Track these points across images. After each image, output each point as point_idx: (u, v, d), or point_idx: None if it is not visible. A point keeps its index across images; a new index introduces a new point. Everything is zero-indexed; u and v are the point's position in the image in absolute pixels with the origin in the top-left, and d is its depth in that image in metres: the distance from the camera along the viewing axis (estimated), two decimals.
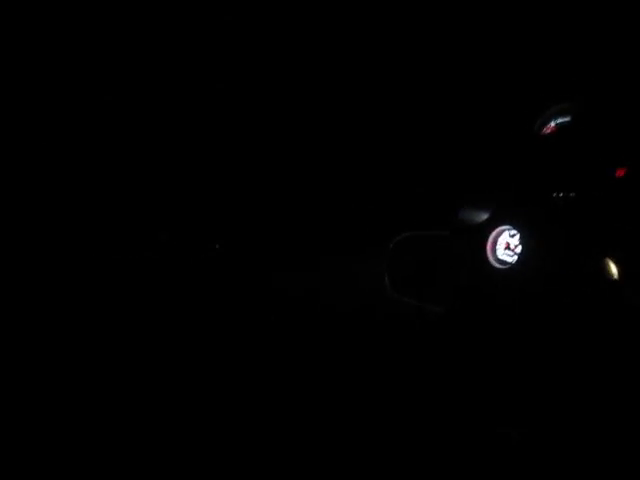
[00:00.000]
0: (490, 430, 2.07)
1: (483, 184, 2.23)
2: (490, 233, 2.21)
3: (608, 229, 1.95)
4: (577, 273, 1.99)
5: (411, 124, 2.38)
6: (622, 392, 1.86)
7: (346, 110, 2.49)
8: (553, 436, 1.93)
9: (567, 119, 2.05)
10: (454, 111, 2.30)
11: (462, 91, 2.28)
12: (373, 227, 2.49)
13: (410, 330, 2.34)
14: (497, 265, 2.20)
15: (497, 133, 2.21)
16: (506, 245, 2.19)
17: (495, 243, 2.22)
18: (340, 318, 2.50)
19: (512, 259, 2.17)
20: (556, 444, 1.94)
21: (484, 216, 2.22)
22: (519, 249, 2.15)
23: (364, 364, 2.39)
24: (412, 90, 2.39)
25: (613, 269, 1.92)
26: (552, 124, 2.08)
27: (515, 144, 2.16)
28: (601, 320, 1.92)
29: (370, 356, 2.39)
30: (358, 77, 2.44)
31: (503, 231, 2.20)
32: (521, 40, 2.16)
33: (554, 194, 2.04)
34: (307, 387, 2.41)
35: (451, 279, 2.29)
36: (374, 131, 2.45)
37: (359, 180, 2.52)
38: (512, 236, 2.19)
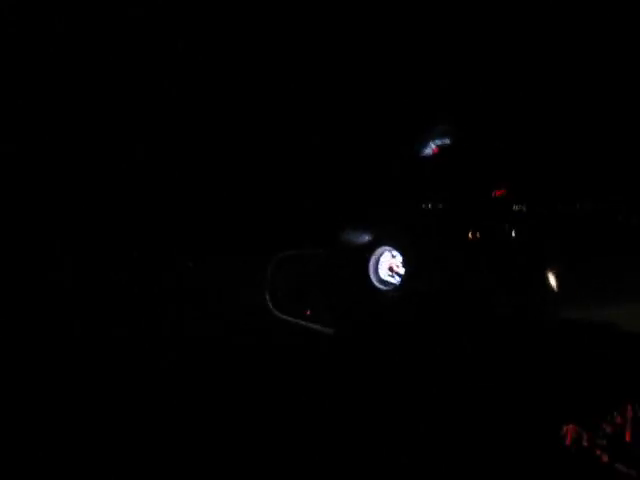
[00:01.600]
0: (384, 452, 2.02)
1: (365, 205, 2.22)
2: (372, 254, 2.20)
3: (486, 245, 1.99)
4: (460, 292, 2.02)
5: (295, 140, 2.33)
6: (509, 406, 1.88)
7: (229, 124, 2.40)
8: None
9: (447, 141, 2.09)
10: (335, 130, 2.29)
11: (341, 111, 2.27)
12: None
13: (290, 349, 2.27)
14: (380, 287, 2.18)
15: (378, 154, 2.21)
16: (389, 266, 2.19)
17: (377, 264, 2.21)
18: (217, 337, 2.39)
19: (395, 280, 2.17)
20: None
21: (366, 237, 2.21)
22: (402, 270, 2.15)
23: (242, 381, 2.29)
24: (288, 110, 2.35)
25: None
26: (433, 145, 2.12)
27: (396, 165, 2.17)
28: (485, 334, 1.94)
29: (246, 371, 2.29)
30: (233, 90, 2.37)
31: (385, 252, 2.20)
32: (400, 62, 2.19)
33: (427, 205, 2.07)
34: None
35: (335, 300, 2.25)
36: (261, 144, 2.38)
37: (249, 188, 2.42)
38: (394, 257, 2.19)
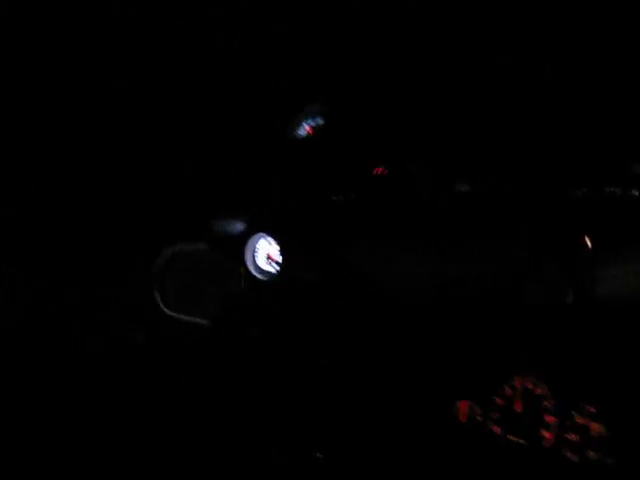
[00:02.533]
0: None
1: (238, 192, 2.11)
2: (248, 243, 2.09)
3: (366, 229, 1.95)
4: (337, 278, 1.97)
5: (163, 131, 2.17)
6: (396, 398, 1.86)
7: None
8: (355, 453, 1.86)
9: (320, 120, 2.03)
10: (203, 117, 2.15)
11: (211, 99, 2.14)
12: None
13: (181, 344, 2.14)
14: (259, 276, 2.08)
15: (249, 139, 2.10)
16: (267, 254, 2.09)
17: (255, 253, 2.10)
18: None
19: (274, 268, 2.08)
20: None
21: (241, 226, 2.10)
22: (280, 258, 2.07)
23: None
24: (149, 103, 2.19)
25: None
26: (306, 126, 2.05)
27: (268, 149, 2.08)
28: (365, 317, 1.91)
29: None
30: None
31: (261, 240, 2.10)
32: (267, 44, 2.09)
33: (303, 188, 2.00)
34: None
35: (217, 292, 2.14)
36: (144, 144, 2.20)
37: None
38: (271, 244, 2.10)
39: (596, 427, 1.52)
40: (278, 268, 2.06)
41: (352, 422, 1.90)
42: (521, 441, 1.65)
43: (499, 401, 1.68)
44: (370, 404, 1.89)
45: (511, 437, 1.66)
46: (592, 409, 1.54)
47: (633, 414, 1.49)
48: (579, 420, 1.55)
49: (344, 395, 1.92)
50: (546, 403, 1.60)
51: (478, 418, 1.71)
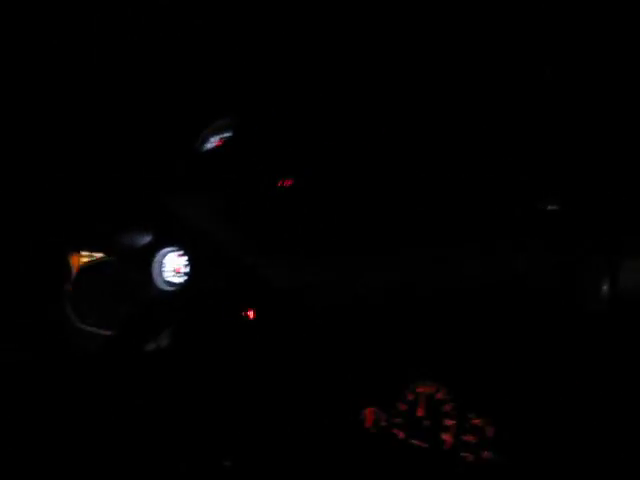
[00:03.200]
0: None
1: (146, 205, 2.09)
2: (156, 256, 2.09)
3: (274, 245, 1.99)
4: (243, 288, 2.00)
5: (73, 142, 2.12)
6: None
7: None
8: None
9: (229, 134, 2.05)
10: (112, 128, 2.12)
11: (118, 111, 2.11)
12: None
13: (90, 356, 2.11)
14: (165, 288, 2.08)
15: (156, 151, 2.10)
16: (175, 266, 2.09)
17: (162, 266, 2.10)
18: None
19: (181, 280, 2.08)
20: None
21: (147, 238, 2.09)
22: (187, 270, 2.07)
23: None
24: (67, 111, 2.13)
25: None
26: (215, 139, 2.06)
27: (177, 161, 2.08)
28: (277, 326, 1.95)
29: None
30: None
31: (169, 253, 2.10)
32: (178, 58, 2.09)
33: (211, 201, 2.02)
34: None
35: (125, 304, 2.11)
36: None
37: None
38: (179, 257, 2.10)
39: (490, 428, 1.63)
40: (186, 280, 2.06)
41: (260, 430, 1.93)
42: (423, 445, 1.73)
43: (402, 406, 1.76)
44: (279, 412, 1.92)
45: (413, 441, 1.75)
46: (487, 411, 1.64)
47: (523, 415, 1.59)
48: (475, 422, 1.65)
49: (252, 403, 1.95)
50: (445, 407, 1.69)
51: (383, 423, 1.78)
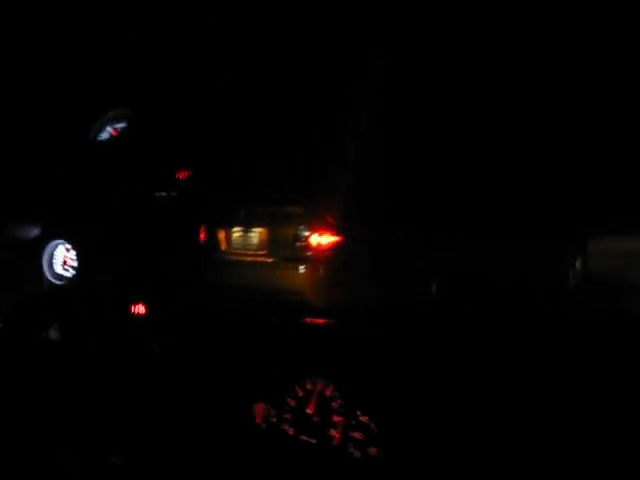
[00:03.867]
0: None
1: (35, 197, 2.01)
2: (46, 249, 2.01)
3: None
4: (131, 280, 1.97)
5: None
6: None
7: None
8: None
9: (124, 124, 2.00)
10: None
11: (6, 102, 2.01)
12: None
13: None
14: (54, 281, 2.01)
15: (47, 143, 2.01)
16: (64, 260, 2.03)
17: (52, 259, 2.03)
18: None
19: (70, 274, 2.02)
20: None
21: (37, 231, 2.01)
22: (75, 263, 2.01)
23: None
24: None
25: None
26: (111, 128, 2.00)
27: (68, 153, 2.01)
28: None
29: None
30: None
31: (59, 246, 2.03)
32: (69, 49, 2.01)
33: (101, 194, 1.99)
34: None
35: (13, 296, 2.03)
36: None
37: None
38: (68, 250, 2.04)
39: (375, 425, 1.65)
40: (74, 272, 2.01)
41: (150, 426, 1.90)
42: (312, 440, 1.74)
43: (292, 403, 1.77)
44: (169, 407, 1.90)
45: (303, 437, 1.75)
46: (374, 408, 1.66)
47: (406, 413, 1.63)
48: (363, 419, 1.67)
49: (142, 398, 1.91)
50: (334, 404, 1.71)
51: (273, 419, 1.78)
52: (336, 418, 1.71)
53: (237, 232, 4.52)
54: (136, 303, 1.90)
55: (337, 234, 4.20)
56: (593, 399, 1.45)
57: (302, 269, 4.28)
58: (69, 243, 2.01)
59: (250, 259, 4.52)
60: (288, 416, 1.77)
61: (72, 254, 2.01)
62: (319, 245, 4.26)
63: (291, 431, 1.76)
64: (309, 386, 1.75)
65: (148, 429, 1.90)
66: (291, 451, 1.76)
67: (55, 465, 1.89)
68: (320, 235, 4.26)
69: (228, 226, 4.52)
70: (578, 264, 5.89)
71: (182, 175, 1.88)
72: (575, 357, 1.58)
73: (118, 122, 2.00)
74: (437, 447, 1.57)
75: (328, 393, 1.72)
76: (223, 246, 4.58)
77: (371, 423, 1.66)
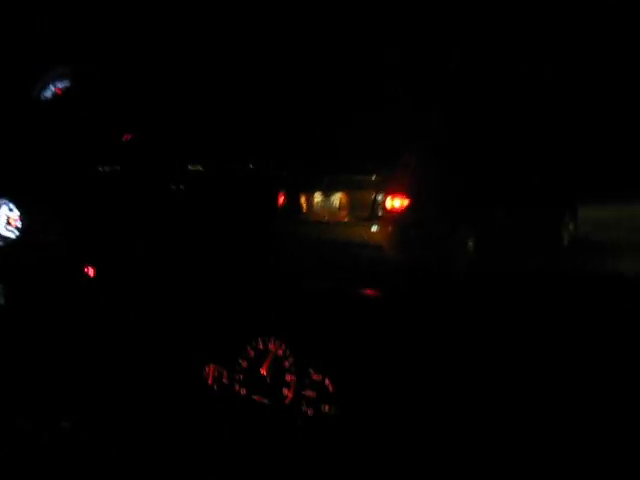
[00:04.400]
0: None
1: None
2: None
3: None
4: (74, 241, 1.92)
5: None
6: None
7: None
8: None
9: (68, 82, 1.93)
10: None
11: None
12: None
13: None
14: None
15: None
16: (7, 220, 1.96)
17: None
18: None
19: (14, 234, 1.96)
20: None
21: None
22: (19, 224, 1.95)
23: None
24: None
25: None
26: (53, 87, 1.94)
27: (10, 108, 1.93)
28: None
29: None
30: None
31: (2, 205, 1.96)
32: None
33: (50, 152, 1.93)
34: None
35: None
36: None
37: None
38: (11, 210, 1.97)
39: (329, 382, 1.65)
40: (18, 234, 1.95)
41: (101, 390, 1.87)
42: (264, 400, 1.73)
43: (243, 363, 1.76)
44: (118, 371, 1.87)
45: (255, 397, 1.75)
46: (326, 366, 1.66)
47: (361, 370, 1.63)
48: (315, 377, 1.67)
49: (91, 361, 1.88)
50: (286, 363, 1.70)
51: (224, 381, 1.77)
52: (289, 377, 1.71)
53: (318, 197, 6.04)
54: (85, 266, 1.86)
55: (407, 199, 5.78)
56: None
57: (376, 227, 5.74)
58: (12, 202, 1.94)
59: (330, 219, 5.93)
60: (240, 376, 1.76)
61: (16, 214, 1.94)
62: (392, 208, 5.78)
63: (243, 392, 1.76)
64: (261, 346, 1.75)
65: (98, 393, 1.87)
66: (243, 411, 1.75)
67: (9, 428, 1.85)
68: (393, 199, 5.81)
69: (310, 191, 6.04)
70: (571, 227, 7.71)
71: (126, 137, 1.83)
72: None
73: (62, 80, 1.93)
74: (391, 403, 1.58)
75: (280, 352, 1.72)
76: (304, 208, 6.10)
77: (324, 381, 1.66)
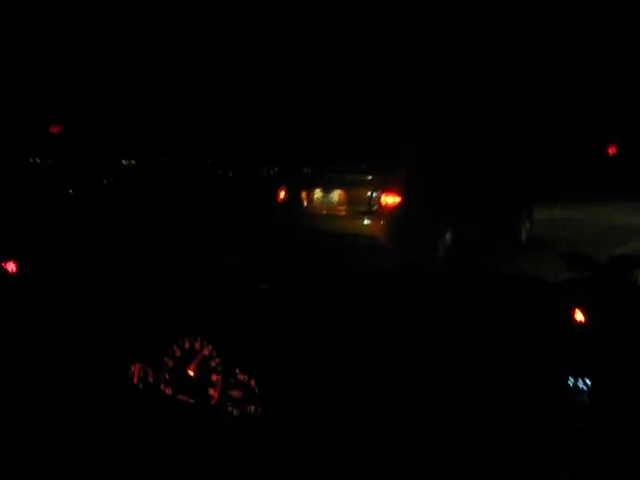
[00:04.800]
0: None
1: None
2: None
3: None
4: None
5: None
6: None
7: None
8: None
9: None
10: None
11: None
12: None
13: None
14: None
15: None
16: None
17: None
18: None
19: None
20: None
21: None
22: None
23: None
24: None
25: None
26: None
27: None
28: None
29: None
30: None
31: None
32: None
33: None
34: None
35: None
36: None
37: None
38: None
39: (255, 383, 1.63)
40: None
41: (26, 387, 1.83)
42: (190, 400, 1.71)
43: (170, 362, 1.73)
44: (45, 370, 1.83)
45: (181, 397, 1.72)
46: (252, 366, 1.64)
47: (286, 371, 1.62)
48: (241, 377, 1.65)
49: (16, 362, 1.84)
50: (212, 363, 1.68)
51: (150, 380, 1.74)
52: (215, 377, 1.69)
53: (318, 193, 7.19)
54: (6, 261, 1.80)
55: (399, 196, 6.79)
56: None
57: (371, 220, 6.80)
58: None
59: (329, 212, 7.11)
60: (166, 376, 1.73)
61: None
62: (386, 204, 6.79)
63: (169, 391, 1.73)
64: (187, 345, 1.72)
65: (22, 389, 1.82)
66: (169, 411, 1.73)
67: None
68: (387, 196, 6.79)
69: (310, 188, 7.24)
70: (528, 225, 9.07)
71: (55, 129, 1.77)
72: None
73: None
74: (317, 403, 1.57)
75: (206, 352, 1.69)
76: (305, 203, 7.30)
77: (250, 381, 1.64)
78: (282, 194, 7.56)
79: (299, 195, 7.42)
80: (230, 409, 1.67)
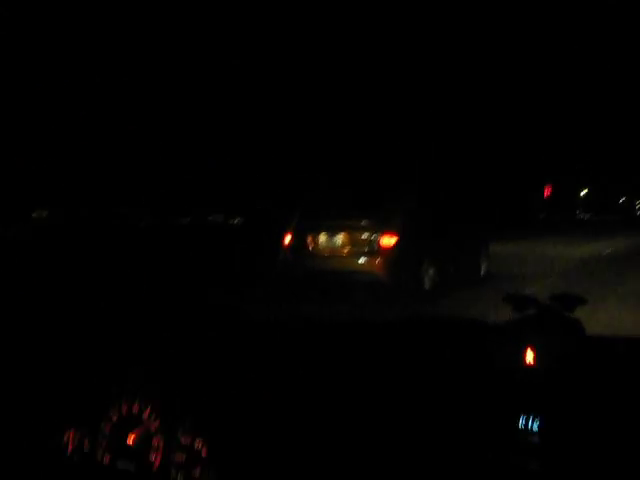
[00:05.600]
0: None
1: None
2: None
3: None
4: None
5: None
6: None
7: None
8: None
9: None
10: None
11: None
12: None
13: None
14: None
15: None
16: None
17: None
18: None
19: None
20: None
21: None
22: None
23: None
24: None
25: None
26: None
27: None
28: None
29: None
30: None
31: None
32: None
33: None
34: None
35: None
36: None
37: None
38: None
39: (199, 445, 1.55)
40: None
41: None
42: (130, 468, 1.61)
43: (106, 428, 1.63)
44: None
45: (120, 464, 1.61)
46: (197, 428, 1.56)
47: (233, 429, 1.54)
48: (184, 440, 1.56)
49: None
50: (152, 426, 1.59)
51: (85, 448, 1.63)
52: (155, 441, 1.59)
53: (323, 236, 8.72)
54: None
55: (396, 238, 8.44)
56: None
57: (370, 259, 8.42)
58: None
59: (333, 253, 8.64)
60: (103, 443, 1.62)
61: None
62: (383, 245, 8.39)
63: (107, 459, 1.62)
64: (125, 409, 1.62)
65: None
66: None
67: None
68: (383, 239, 8.40)
69: (315, 232, 8.76)
70: (486, 261, 10.94)
71: None
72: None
73: None
74: (264, 461, 1.50)
75: (145, 415, 1.60)
76: (311, 246, 8.78)
77: (194, 443, 1.55)
78: (288, 238, 8.95)
79: (305, 239, 8.86)
80: (174, 475, 1.57)
